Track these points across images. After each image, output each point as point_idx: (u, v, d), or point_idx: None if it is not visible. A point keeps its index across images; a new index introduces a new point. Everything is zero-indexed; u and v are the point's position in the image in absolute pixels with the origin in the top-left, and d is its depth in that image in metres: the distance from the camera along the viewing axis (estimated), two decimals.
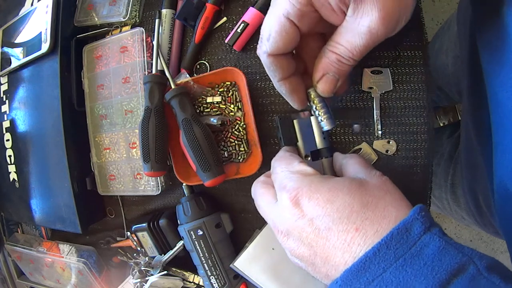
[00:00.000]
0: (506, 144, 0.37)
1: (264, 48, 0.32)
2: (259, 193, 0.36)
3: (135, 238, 0.53)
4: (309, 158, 0.44)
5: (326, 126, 0.38)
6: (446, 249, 0.24)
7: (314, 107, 0.38)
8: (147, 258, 0.53)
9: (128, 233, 0.54)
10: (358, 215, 0.27)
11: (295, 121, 0.45)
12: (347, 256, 0.26)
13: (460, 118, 1.09)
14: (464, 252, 0.24)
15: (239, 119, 0.47)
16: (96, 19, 0.54)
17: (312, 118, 0.43)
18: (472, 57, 0.48)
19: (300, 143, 0.45)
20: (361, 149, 0.45)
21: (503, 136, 0.38)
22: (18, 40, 0.57)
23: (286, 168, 0.34)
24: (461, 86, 0.60)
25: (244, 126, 0.47)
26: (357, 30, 0.29)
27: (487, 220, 0.56)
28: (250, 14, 0.46)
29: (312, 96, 0.37)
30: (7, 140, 0.59)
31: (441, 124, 1.14)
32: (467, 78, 0.51)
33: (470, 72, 0.50)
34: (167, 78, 0.47)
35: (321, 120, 0.38)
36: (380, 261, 0.25)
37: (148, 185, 0.52)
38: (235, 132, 0.47)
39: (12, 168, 0.59)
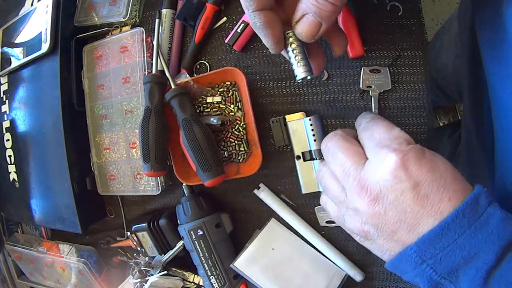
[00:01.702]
0: (508, 143, 0.37)
1: None
2: (342, 146, 0.33)
3: (135, 238, 0.53)
4: (300, 159, 0.45)
5: (300, 74, 0.32)
6: (506, 220, 0.27)
7: (290, 51, 0.32)
8: (147, 258, 0.53)
9: (128, 233, 0.54)
10: (450, 186, 0.29)
11: (288, 123, 0.45)
12: (437, 224, 0.28)
13: (460, 118, 1.09)
14: None
15: (239, 119, 0.47)
16: (96, 19, 0.54)
17: (305, 120, 0.44)
18: (473, 56, 0.48)
19: (292, 144, 0.45)
20: None
21: (505, 135, 0.38)
22: (18, 40, 0.57)
23: (388, 130, 0.33)
24: (461, 85, 0.60)
25: (244, 126, 0.47)
26: None
27: None
28: None
29: (290, 39, 0.32)
30: (7, 140, 0.59)
31: (441, 124, 1.14)
32: (468, 77, 0.51)
33: (470, 71, 0.50)
34: (167, 78, 0.47)
35: (296, 66, 0.33)
36: (456, 228, 0.27)
37: (148, 185, 0.52)
38: (235, 132, 0.47)
39: (12, 168, 0.59)
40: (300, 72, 0.32)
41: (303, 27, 0.30)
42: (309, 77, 0.33)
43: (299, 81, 0.32)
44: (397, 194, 0.29)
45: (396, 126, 0.34)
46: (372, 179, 0.30)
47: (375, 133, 0.33)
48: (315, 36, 0.31)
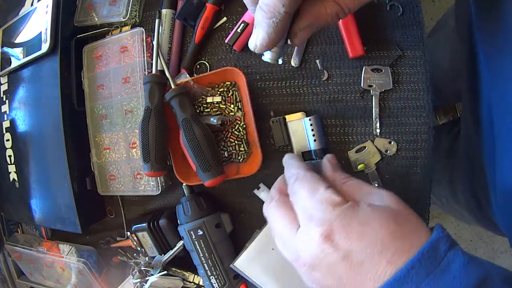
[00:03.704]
0: (509, 137, 0.37)
1: None
2: (277, 215, 0.34)
3: (135, 238, 0.53)
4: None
5: (266, 56, 0.32)
6: (470, 263, 0.26)
7: None
8: (147, 258, 0.52)
9: (128, 233, 0.54)
10: (388, 248, 0.28)
11: (288, 123, 0.45)
12: (377, 286, 0.27)
13: (459, 116, 1.09)
14: (484, 266, 0.26)
15: (239, 119, 0.47)
16: (96, 19, 0.54)
17: (305, 120, 0.44)
18: (471, 51, 0.47)
19: (292, 144, 0.45)
20: (365, 147, 0.45)
21: (505, 130, 0.38)
22: (18, 40, 0.57)
23: (311, 194, 0.32)
24: (458, 82, 0.60)
25: (244, 126, 0.47)
26: None
27: (487, 217, 0.56)
28: (250, 14, 0.46)
29: None
30: (7, 140, 0.59)
31: (441, 123, 1.14)
32: (466, 72, 0.51)
33: (469, 66, 0.50)
34: (167, 78, 0.47)
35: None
36: (413, 278, 0.25)
37: (148, 185, 0.52)
38: (235, 132, 0.47)
39: (12, 168, 0.59)
40: (269, 56, 0.32)
41: (304, 36, 0.30)
42: (277, 63, 0.32)
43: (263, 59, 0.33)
44: (329, 265, 0.29)
45: (321, 184, 0.33)
46: (304, 251, 0.30)
47: (300, 199, 0.33)
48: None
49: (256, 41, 0.29)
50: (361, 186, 0.35)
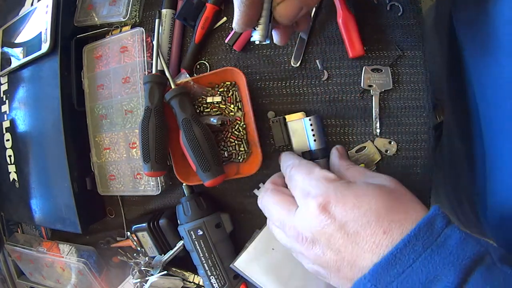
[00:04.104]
0: (499, 138, 0.37)
1: None
2: (274, 200, 0.35)
3: (135, 238, 0.53)
4: None
5: (254, 36, 0.32)
6: (466, 239, 0.26)
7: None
8: (147, 258, 0.52)
9: (128, 233, 0.54)
10: (384, 218, 0.28)
11: (288, 123, 0.45)
12: (375, 258, 0.27)
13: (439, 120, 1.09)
14: (481, 244, 0.26)
15: (239, 119, 0.47)
16: (96, 19, 0.54)
17: (305, 120, 0.44)
18: (452, 49, 0.47)
19: (292, 144, 0.45)
20: (365, 147, 0.45)
21: (494, 133, 0.38)
22: (18, 40, 0.57)
23: (307, 175, 0.34)
24: (441, 83, 0.60)
25: (244, 126, 0.47)
26: None
27: (470, 219, 0.56)
28: None
29: (264, 5, 0.31)
30: (7, 140, 0.59)
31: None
32: (447, 73, 0.51)
33: (450, 66, 0.49)
34: (167, 78, 0.47)
35: (253, 29, 0.32)
36: (410, 252, 0.26)
37: (148, 185, 0.52)
38: (235, 132, 0.47)
39: (12, 168, 0.59)
40: (256, 35, 0.32)
41: (285, 10, 0.30)
42: (264, 42, 0.32)
43: (252, 41, 0.33)
44: (327, 237, 0.29)
45: (316, 166, 0.35)
46: (303, 226, 0.31)
47: (298, 182, 0.34)
48: (293, 19, 0.31)
49: (235, 20, 0.30)
50: (364, 172, 0.36)
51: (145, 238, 0.51)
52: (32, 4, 0.57)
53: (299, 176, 0.34)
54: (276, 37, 0.35)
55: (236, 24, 0.31)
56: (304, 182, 0.33)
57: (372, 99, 0.44)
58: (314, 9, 0.45)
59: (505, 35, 0.32)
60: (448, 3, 0.46)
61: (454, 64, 0.47)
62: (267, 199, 0.36)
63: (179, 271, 0.53)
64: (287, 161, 0.39)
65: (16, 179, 0.59)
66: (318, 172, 0.34)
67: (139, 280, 0.52)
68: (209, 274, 0.47)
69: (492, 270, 0.25)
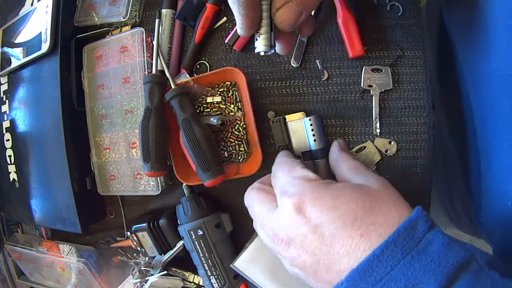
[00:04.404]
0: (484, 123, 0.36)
1: None
2: (257, 199, 0.35)
3: (135, 238, 0.53)
4: (300, 159, 0.45)
5: (258, 47, 0.31)
6: (450, 245, 0.24)
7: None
8: (147, 258, 0.52)
9: (128, 233, 0.54)
10: (362, 221, 0.27)
11: (288, 123, 0.45)
12: (352, 262, 0.26)
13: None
14: (466, 249, 0.25)
15: (239, 119, 0.47)
16: (96, 19, 0.54)
17: (305, 120, 0.44)
18: (443, 48, 0.47)
19: (292, 144, 0.45)
20: (365, 147, 0.45)
21: (487, 127, 0.37)
22: (18, 40, 0.57)
23: (288, 173, 0.33)
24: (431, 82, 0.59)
25: (244, 126, 0.47)
26: None
27: (463, 220, 0.56)
28: None
29: (263, 14, 0.31)
30: (7, 140, 0.59)
31: None
32: (438, 72, 0.50)
33: (441, 64, 0.49)
34: (167, 78, 0.47)
35: (256, 39, 0.31)
36: (387, 259, 0.25)
37: (148, 185, 0.52)
38: (235, 132, 0.47)
39: (12, 168, 0.59)
40: (259, 45, 0.31)
41: (285, 15, 0.29)
42: (269, 53, 0.32)
43: (257, 53, 0.32)
44: (302, 238, 0.28)
45: (298, 164, 0.34)
46: (279, 227, 0.30)
47: (279, 179, 0.33)
48: (294, 25, 0.30)
49: (238, 25, 0.30)
50: (357, 168, 0.35)
51: (145, 238, 0.51)
52: (32, 4, 0.57)
53: (281, 173, 0.34)
54: (279, 46, 0.34)
55: (240, 28, 0.30)
56: (284, 180, 0.33)
57: (372, 99, 0.44)
58: (314, 10, 0.45)
59: (497, 33, 0.31)
60: (439, 0, 0.46)
61: (445, 62, 0.47)
62: (251, 197, 0.36)
63: (179, 271, 0.53)
64: (276, 159, 0.38)
65: (16, 179, 0.59)
66: (298, 171, 0.33)
67: (139, 280, 0.52)
68: (209, 274, 0.47)
69: (479, 276, 0.23)
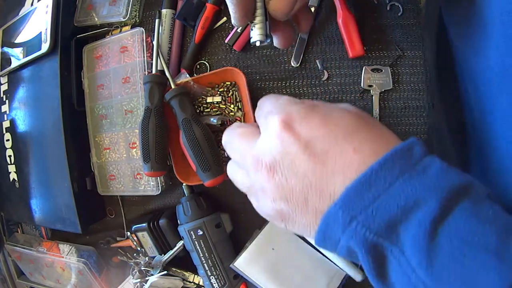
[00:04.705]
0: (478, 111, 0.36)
1: None
2: (236, 133, 0.31)
3: (135, 238, 0.53)
4: None
5: (253, 37, 0.31)
6: (449, 170, 0.23)
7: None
8: (147, 258, 0.52)
9: (128, 233, 0.54)
10: (354, 135, 0.25)
11: None
12: (347, 181, 0.24)
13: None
14: (465, 177, 0.23)
15: (239, 119, 0.47)
16: (96, 19, 0.54)
17: None
18: (442, 45, 0.46)
19: None
20: None
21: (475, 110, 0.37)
22: (18, 40, 0.57)
23: (275, 101, 0.30)
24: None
25: None
26: None
27: None
28: None
29: (257, 4, 0.30)
30: (7, 140, 0.59)
31: None
32: (436, 69, 0.50)
33: (439, 62, 0.48)
34: (167, 78, 0.47)
35: (251, 28, 0.31)
36: (386, 175, 0.23)
37: (148, 185, 0.52)
38: None
39: (12, 168, 0.59)
40: (253, 36, 0.30)
41: (278, 3, 0.29)
42: (265, 43, 0.31)
43: (252, 44, 0.31)
44: (291, 158, 0.25)
45: (285, 95, 0.31)
46: (264, 149, 0.27)
47: (264, 107, 0.30)
48: (288, 13, 0.29)
49: (232, 16, 0.29)
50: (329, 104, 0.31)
51: (145, 238, 0.51)
52: (32, 4, 0.58)
53: (268, 101, 0.31)
54: (276, 39, 0.34)
55: (234, 18, 0.29)
56: (272, 106, 0.30)
57: (372, 99, 0.44)
58: (314, 9, 0.45)
59: (494, 30, 0.31)
60: (438, 0, 0.46)
61: (444, 62, 0.47)
62: (230, 132, 0.32)
63: (179, 271, 0.53)
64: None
65: (16, 179, 0.59)
66: (285, 98, 0.30)
67: (139, 280, 0.52)
68: (209, 274, 0.47)
69: (480, 202, 0.22)
